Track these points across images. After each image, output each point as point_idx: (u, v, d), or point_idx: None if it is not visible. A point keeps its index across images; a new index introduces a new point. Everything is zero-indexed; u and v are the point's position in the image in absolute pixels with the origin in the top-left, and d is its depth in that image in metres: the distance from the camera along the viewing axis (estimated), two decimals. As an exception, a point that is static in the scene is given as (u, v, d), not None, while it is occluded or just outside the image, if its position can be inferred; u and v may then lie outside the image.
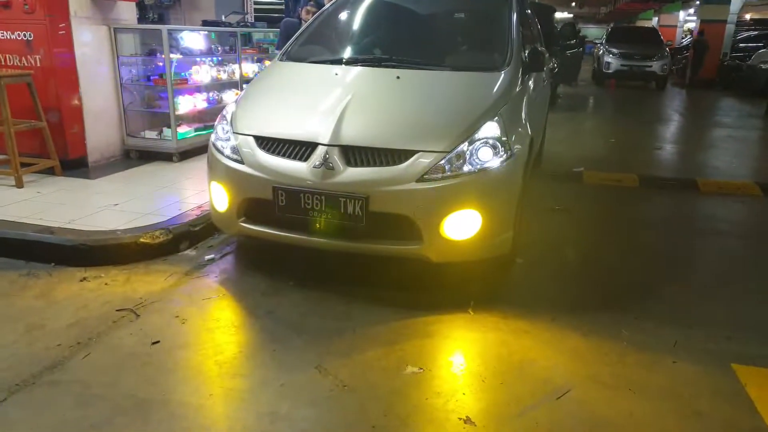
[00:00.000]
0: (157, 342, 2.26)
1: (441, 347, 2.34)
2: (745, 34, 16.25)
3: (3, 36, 4.20)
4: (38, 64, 4.18)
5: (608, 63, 13.68)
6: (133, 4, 4.97)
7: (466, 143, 2.63)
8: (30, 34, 4.15)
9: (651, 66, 13.41)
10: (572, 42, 12.66)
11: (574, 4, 29.65)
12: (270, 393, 1.98)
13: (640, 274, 3.15)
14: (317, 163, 2.58)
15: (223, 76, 5.55)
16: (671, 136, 8.02)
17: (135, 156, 4.90)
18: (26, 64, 4.20)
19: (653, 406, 2.00)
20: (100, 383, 1.99)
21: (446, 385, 2.08)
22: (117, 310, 2.49)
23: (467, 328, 2.48)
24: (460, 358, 2.30)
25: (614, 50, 13.77)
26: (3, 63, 4.25)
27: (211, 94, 5.42)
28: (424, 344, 2.33)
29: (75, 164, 4.40)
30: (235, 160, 2.76)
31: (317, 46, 3.60)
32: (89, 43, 4.47)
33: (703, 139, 7.75)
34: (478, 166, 2.60)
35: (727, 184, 5.06)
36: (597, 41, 17.00)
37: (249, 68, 5.91)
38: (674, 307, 2.75)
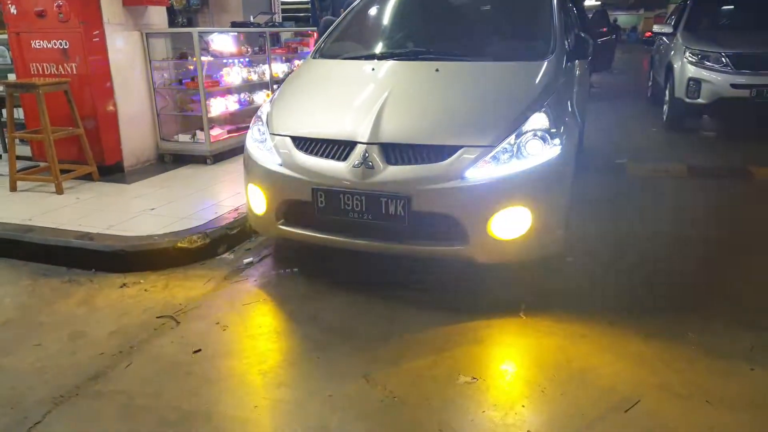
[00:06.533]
0: (199, 350, 2.19)
1: (494, 354, 2.21)
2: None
3: (40, 45, 4.24)
4: (74, 72, 4.21)
5: (696, 83, 5.81)
6: (164, 8, 4.97)
7: (513, 136, 2.49)
8: (66, 43, 4.18)
9: None
10: (604, 30, 12.13)
11: (602, -10, 28.80)
12: (318, 404, 1.89)
13: (699, 270, 2.93)
14: (357, 162, 2.48)
15: (254, 77, 5.51)
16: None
17: (169, 160, 4.90)
18: (63, 72, 4.23)
19: (736, 420, 1.82)
20: (143, 394, 1.94)
21: (503, 396, 1.95)
22: (157, 317, 2.44)
23: (520, 333, 2.34)
24: (516, 366, 2.16)
25: (711, 52, 5.81)
26: (41, 72, 4.30)
27: (242, 95, 5.39)
28: (475, 351, 2.21)
29: (112, 169, 4.42)
30: (273, 162, 2.69)
31: (351, 42, 3.50)
32: (122, 49, 4.48)
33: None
34: (527, 160, 2.45)
35: (785, 171, 4.72)
36: (659, 32, 7.29)
37: (278, 68, 5.87)
38: (743, 306, 2.54)
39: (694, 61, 5.94)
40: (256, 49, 5.74)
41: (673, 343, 2.25)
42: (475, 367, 2.09)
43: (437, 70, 2.91)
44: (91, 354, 2.18)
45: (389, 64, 3.08)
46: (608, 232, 3.47)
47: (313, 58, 3.43)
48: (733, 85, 5.63)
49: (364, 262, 2.91)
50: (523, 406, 1.89)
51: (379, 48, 3.41)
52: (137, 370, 2.08)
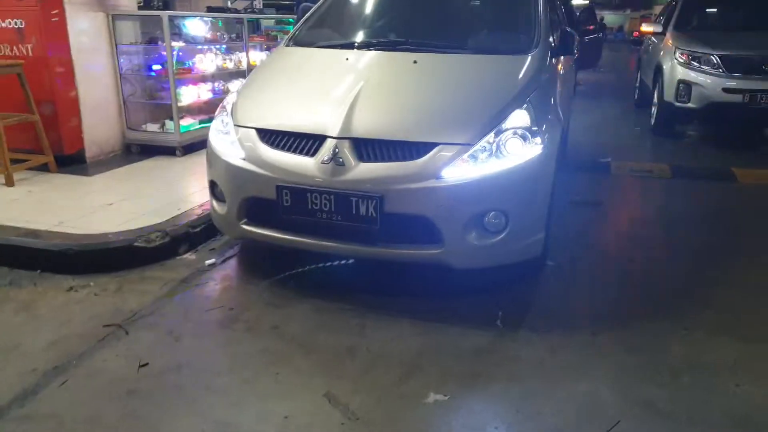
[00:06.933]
0: (146, 364, 2.00)
1: (467, 368, 2.05)
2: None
3: (-7, 25, 3.96)
4: (30, 54, 3.93)
5: (687, 86, 5.48)
6: (133, -11, 4.70)
7: (493, 134, 2.34)
8: (21, 22, 3.90)
9: None
10: (591, 27, 12.04)
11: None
12: (271, 427, 1.72)
13: (683, 276, 2.82)
14: (326, 158, 2.30)
15: (230, 65, 5.28)
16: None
17: (136, 150, 4.65)
18: (17, 54, 3.95)
19: (721, 443, 1.70)
20: (76, 418, 1.74)
21: (475, 416, 1.81)
22: (104, 326, 2.23)
23: (496, 343, 2.19)
24: (490, 382, 2.00)
25: (702, 53, 5.47)
26: (-6, 53, 4.02)
27: (216, 84, 5.15)
28: (447, 365, 2.05)
29: (71, 160, 4.16)
30: (236, 156, 2.49)
31: (327, 29, 3.30)
32: (85, 31, 4.20)
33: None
34: (507, 160, 2.30)
35: (766, 174, 4.67)
36: (648, 31, 6.98)
37: (257, 57, 5.63)
38: (728, 317, 2.43)
39: (684, 62, 5.58)
40: (234, 36, 5.49)
41: (657, 355, 2.14)
42: (446, 384, 1.94)
43: (415, 61, 2.73)
44: (21, 370, 1.96)
45: (365, 54, 2.89)
46: (590, 234, 3.35)
47: (286, 45, 3.23)
48: (726, 90, 5.29)
49: (334, 266, 2.74)
50: (497, 428, 1.75)
51: (355, 36, 3.22)
52: (73, 389, 1.87)
